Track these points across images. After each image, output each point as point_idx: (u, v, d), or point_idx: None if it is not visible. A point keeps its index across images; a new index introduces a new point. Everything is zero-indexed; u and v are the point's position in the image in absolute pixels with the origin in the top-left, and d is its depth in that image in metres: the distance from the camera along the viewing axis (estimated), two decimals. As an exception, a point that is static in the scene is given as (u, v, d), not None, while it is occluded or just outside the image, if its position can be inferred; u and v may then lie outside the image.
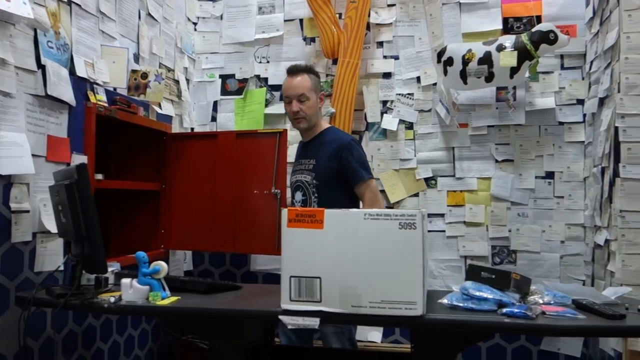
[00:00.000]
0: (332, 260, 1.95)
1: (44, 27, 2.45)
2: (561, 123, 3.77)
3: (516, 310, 1.94)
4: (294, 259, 1.99)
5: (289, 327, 1.98)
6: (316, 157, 2.99)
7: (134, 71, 3.28)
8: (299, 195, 3.02)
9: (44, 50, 2.53)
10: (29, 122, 2.43)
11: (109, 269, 2.36)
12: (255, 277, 4.16)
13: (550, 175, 3.79)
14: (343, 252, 1.94)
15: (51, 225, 2.47)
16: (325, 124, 3.19)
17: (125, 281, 2.15)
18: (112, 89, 3.10)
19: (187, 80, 4.18)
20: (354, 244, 1.94)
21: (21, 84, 2.39)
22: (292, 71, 3.02)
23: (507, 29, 3.83)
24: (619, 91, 3.00)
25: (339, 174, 2.95)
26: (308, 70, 3.05)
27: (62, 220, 2.24)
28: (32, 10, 2.31)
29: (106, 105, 2.96)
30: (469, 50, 3.53)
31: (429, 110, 3.98)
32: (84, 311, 2.78)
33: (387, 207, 3.93)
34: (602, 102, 3.35)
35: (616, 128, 3.01)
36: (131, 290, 2.14)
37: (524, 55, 3.37)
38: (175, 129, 3.90)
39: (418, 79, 4.00)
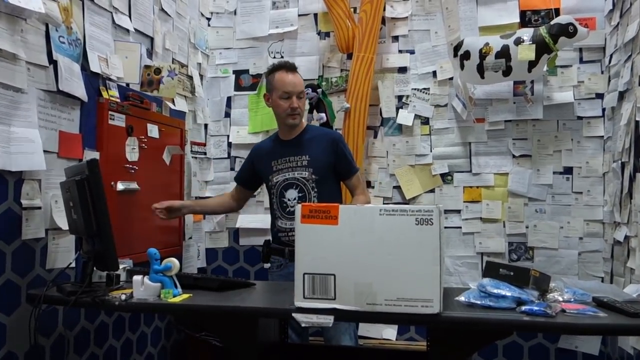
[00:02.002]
0: (346, 257, 1.91)
1: (55, 22, 2.42)
2: (580, 117, 3.71)
3: (535, 308, 1.89)
4: (307, 255, 1.95)
5: (303, 325, 1.94)
6: (309, 153, 2.95)
7: (147, 67, 3.26)
8: (292, 193, 2.95)
9: (55, 45, 2.50)
10: (40, 117, 2.40)
11: (121, 266, 2.34)
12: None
13: (568, 170, 3.73)
14: (358, 248, 1.90)
15: (63, 222, 2.45)
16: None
17: (137, 278, 2.12)
18: (124, 85, 3.08)
19: (201, 76, 4.16)
20: (369, 241, 1.90)
21: (32, 80, 2.37)
22: (291, 68, 2.98)
23: (524, 22, 3.77)
24: (639, 84, 2.94)
25: (333, 168, 2.97)
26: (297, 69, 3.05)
27: (73, 217, 2.22)
28: (44, 4, 2.29)
29: (118, 101, 2.94)
30: (486, 44, 3.47)
31: (445, 105, 3.93)
32: (95, 309, 2.76)
33: (403, 203, 3.89)
34: (622, 95, 3.28)
35: (637, 122, 2.95)
36: (142, 288, 2.11)
37: (543, 48, 3.32)
38: (189, 125, 3.88)
39: (434, 73, 3.96)
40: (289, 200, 2.95)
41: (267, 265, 3.10)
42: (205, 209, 3.52)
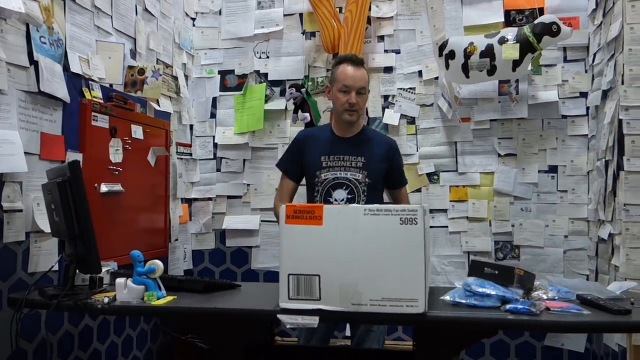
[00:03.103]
0: (331, 257, 1.90)
1: (36, 22, 2.39)
2: (564, 116, 3.73)
3: (520, 306, 1.89)
4: (292, 256, 1.94)
5: (288, 326, 1.94)
6: (366, 155, 2.87)
7: (130, 67, 3.23)
8: (341, 193, 2.85)
9: (36, 45, 2.48)
10: (21, 119, 2.38)
11: (105, 269, 2.32)
12: (256, 275, 4.12)
13: (553, 169, 3.74)
14: (342, 248, 1.90)
15: (45, 225, 2.42)
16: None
17: (120, 281, 2.10)
18: (107, 86, 3.05)
19: (186, 77, 4.14)
20: (354, 241, 1.89)
21: (13, 80, 2.34)
22: (355, 61, 2.89)
23: (509, 21, 3.77)
24: (622, 83, 2.96)
25: (385, 174, 2.92)
26: (364, 64, 2.96)
27: (55, 219, 2.19)
28: (24, 4, 2.26)
29: (102, 101, 2.92)
30: (471, 44, 3.48)
31: (431, 105, 3.93)
32: (78, 312, 2.74)
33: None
34: (605, 94, 3.30)
35: (620, 121, 2.97)
36: (126, 290, 2.09)
37: (527, 47, 3.32)
38: (174, 125, 3.86)
39: (420, 73, 3.96)
40: (335, 200, 2.85)
41: None
42: None
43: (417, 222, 1.85)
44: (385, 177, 2.94)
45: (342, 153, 2.89)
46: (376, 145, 2.93)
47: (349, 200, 2.83)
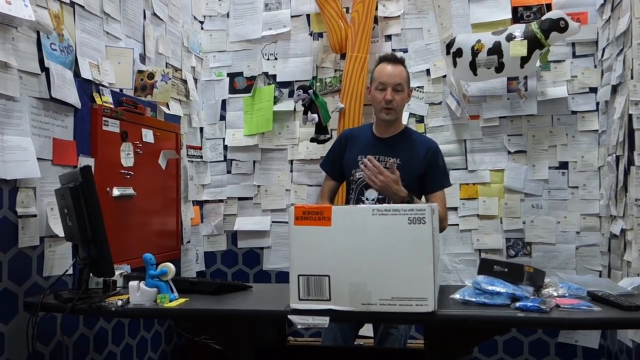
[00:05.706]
0: (340, 258, 1.91)
1: (46, 29, 2.43)
2: (574, 112, 3.72)
3: (529, 304, 1.90)
4: (302, 257, 1.95)
5: (299, 326, 1.95)
6: (402, 157, 2.84)
7: (140, 72, 3.26)
8: (372, 193, 2.82)
9: (47, 52, 2.51)
10: (33, 125, 2.41)
11: (118, 272, 2.35)
12: (268, 276, 4.14)
13: (564, 165, 3.74)
14: (351, 249, 1.91)
15: (59, 229, 2.45)
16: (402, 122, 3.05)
17: (133, 284, 2.13)
18: (118, 90, 3.08)
19: (195, 80, 4.16)
20: (363, 241, 1.90)
21: (25, 87, 2.37)
22: (391, 59, 2.89)
23: (516, 18, 3.78)
24: (632, 78, 2.96)
25: (421, 178, 2.88)
26: (403, 62, 2.94)
27: (68, 224, 2.22)
28: (34, 12, 2.29)
29: (112, 106, 2.95)
30: (478, 41, 3.47)
31: (440, 103, 3.93)
32: (92, 315, 2.77)
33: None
34: (615, 89, 3.29)
35: (630, 115, 2.96)
36: (139, 293, 2.12)
37: (534, 44, 3.32)
38: (184, 128, 3.88)
39: (428, 71, 3.96)
40: (367, 199, 2.85)
41: None
42: None
43: (425, 222, 1.86)
44: (421, 181, 2.89)
45: (378, 153, 2.86)
46: (415, 148, 2.89)
47: (380, 201, 2.81)
